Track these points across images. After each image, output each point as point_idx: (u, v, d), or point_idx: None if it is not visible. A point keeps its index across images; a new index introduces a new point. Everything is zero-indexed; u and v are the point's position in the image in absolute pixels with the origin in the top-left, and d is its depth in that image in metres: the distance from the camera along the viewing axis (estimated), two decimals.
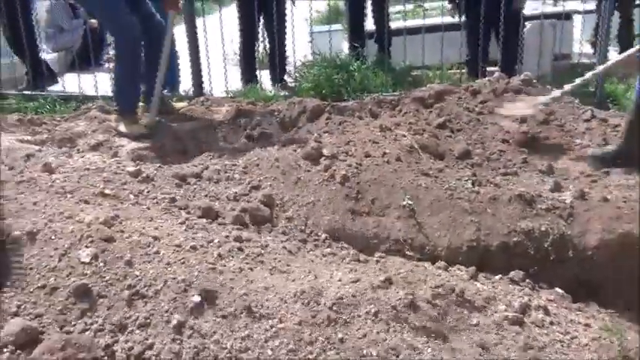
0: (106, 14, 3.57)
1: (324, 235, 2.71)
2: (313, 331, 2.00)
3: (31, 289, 1.97)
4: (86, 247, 2.15)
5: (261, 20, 5.47)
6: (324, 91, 4.62)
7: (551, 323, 2.35)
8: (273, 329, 1.99)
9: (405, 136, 3.34)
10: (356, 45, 5.21)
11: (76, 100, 4.82)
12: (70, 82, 5.47)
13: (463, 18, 5.44)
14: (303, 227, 2.73)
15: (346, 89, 4.61)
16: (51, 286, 2.02)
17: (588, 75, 3.61)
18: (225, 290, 2.07)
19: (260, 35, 5.62)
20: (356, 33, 5.49)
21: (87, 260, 2.11)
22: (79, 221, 2.23)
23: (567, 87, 3.62)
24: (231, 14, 5.55)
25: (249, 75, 5.41)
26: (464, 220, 2.81)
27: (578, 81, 3.57)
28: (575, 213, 2.81)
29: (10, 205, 2.35)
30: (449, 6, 5.79)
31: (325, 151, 3.10)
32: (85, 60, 5.92)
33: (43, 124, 3.75)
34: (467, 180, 3.05)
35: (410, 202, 2.85)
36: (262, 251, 2.43)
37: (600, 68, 3.71)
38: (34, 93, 5.17)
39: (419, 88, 4.12)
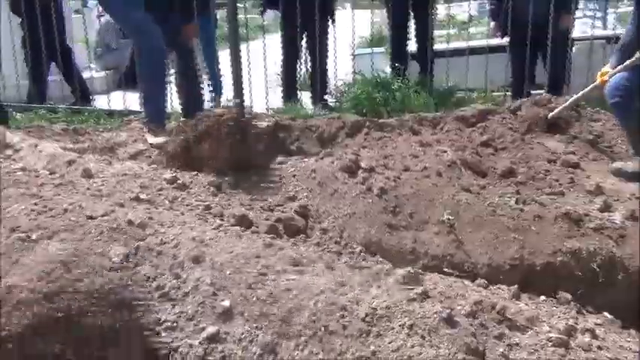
0: (129, 26, 3.64)
1: (359, 248, 2.63)
2: (344, 342, 1.91)
3: None
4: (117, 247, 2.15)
5: (304, 40, 5.51)
6: (364, 110, 4.58)
7: (599, 348, 2.20)
8: (303, 338, 1.92)
9: (446, 151, 3.25)
10: (398, 66, 5.17)
11: (120, 114, 4.92)
12: (116, 99, 5.60)
13: (506, 39, 5.34)
14: (338, 239, 2.66)
15: (386, 108, 4.56)
16: None
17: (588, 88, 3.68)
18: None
19: (302, 56, 5.67)
20: (398, 53, 5.46)
21: (117, 260, 2.10)
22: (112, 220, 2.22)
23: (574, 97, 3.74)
24: (275, 41, 5.63)
25: (289, 93, 5.43)
26: (506, 238, 2.69)
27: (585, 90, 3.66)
28: (626, 234, 2.66)
29: (47, 203, 2.37)
30: (492, 24, 5.69)
31: (363, 164, 3.04)
32: (131, 79, 6.07)
33: (86, 133, 3.83)
34: (510, 197, 2.94)
35: (450, 217, 2.76)
36: (300, 264, 2.37)
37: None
38: (81, 107, 5.31)
39: (461, 108, 4.04)
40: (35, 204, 2.50)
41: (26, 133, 3.55)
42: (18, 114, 5.03)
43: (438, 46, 5.75)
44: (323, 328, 1.93)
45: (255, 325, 1.92)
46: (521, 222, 2.75)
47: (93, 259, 2.09)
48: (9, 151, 3.37)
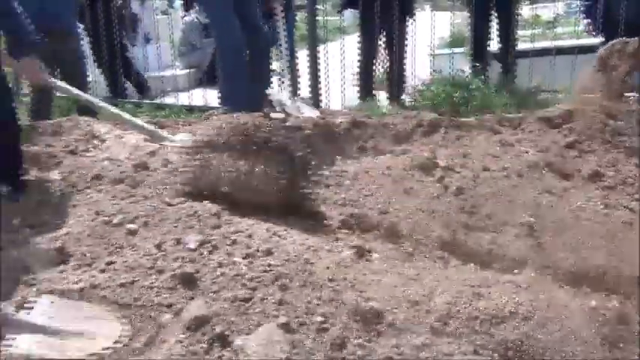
0: (213, 17, 3.71)
1: (433, 247, 2.56)
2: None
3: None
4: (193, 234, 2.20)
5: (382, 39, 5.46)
6: (441, 110, 4.47)
7: None
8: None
9: (527, 152, 3.12)
10: (478, 65, 5.03)
11: (200, 110, 5.04)
12: (197, 96, 5.76)
13: (600, 38, 5.06)
14: (411, 237, 2.60)
15: (466, 108, 4.44)
16: (157, 269, 2.06)
17: None
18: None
19: (379, 56, 5.62)
20: (479, 53, 5.31)
21: (194, 247, 2.15)
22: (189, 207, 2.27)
23: None
24: (352, 42, 5.63)
25: (366, 92, 5.40)
26: (592, 244, 2.54)
27: None
28: None
29: (130, 190, 2.46)
30: (585, 22, 5.41)
31: (440, 162, 2.96)
32: (211, 76, 6.23)
33: (168, 127, 3.94)
34: (596, 202, 2.78)
35: (531, 219, 2.64)
36: (373, 259, 2.34)
37: None
38: (164, 103, 5.50)
39: (545, 109, 3.87)
40: (118, 190, 2.61)
41: (113, 124, 3.71)
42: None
43: (521, 46, 5.55)
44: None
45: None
46: (608, 228, 2.60)
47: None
48: (96, 141, 3.53)
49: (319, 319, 1.92)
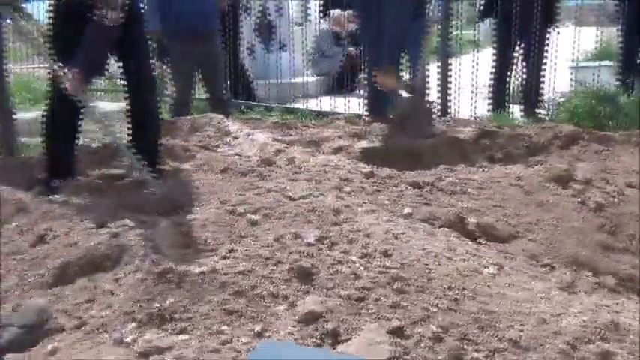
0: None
1: (565, 265, 2.36)
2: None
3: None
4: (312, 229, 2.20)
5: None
6: (583, 123, 4.16)
7: None
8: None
9: None
10: (626, 80, 4.64)
11: (326, 115, 5.10)
12: (325, 102, 5.85)
13: None
14: (541, 252, 2.41)
15: (609, 123, 4.09)
16: (275, 260, 2.08)
17: None
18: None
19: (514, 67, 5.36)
20: (629, 65, 4.89)
21: (312, 241, 2.15)
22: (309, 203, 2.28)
23: None
24: (485, 55, 5.45)
25: (498, 103, 5.16)
26: None
27: None
28: None
29: (255, 183, 2.52)
30: None
31: (578, 176, 2.74)
32: (340, 85, 6.30)
33: (295, 128, 4.03)
34: None
35: None
36: (498, 271, 2.21)
37: None
38: (294, 107, 5.64)
39: None
40: (244, 183, 2.69)
41: (243, 123, 3.85)
42: (242, 108, 5.56)
43: None
44: None
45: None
46: None
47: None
48: (228, 138, 3.68)
49: (435, 327, 1.82)
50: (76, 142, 3.02)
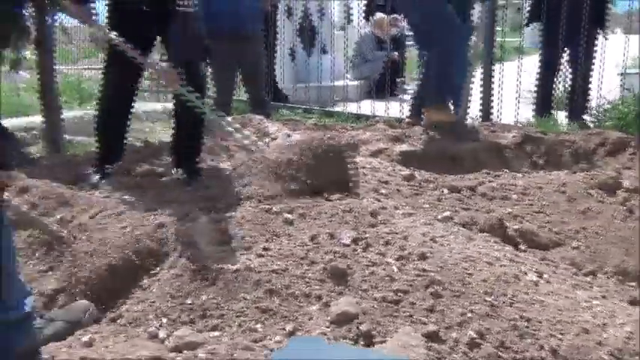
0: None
1: (611, 275, 2.27)
2: None
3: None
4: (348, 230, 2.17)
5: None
6: (630, 130, 4.02)
7: None
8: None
9: None
10: None
11: (366, 118, 5.08)
12: (365, 106, 5.82)
13: None
14: (585, 261, 2.33)
15: None
16: (310, 260, 2.07)
17: None
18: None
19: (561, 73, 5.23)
20: None
21: (347, 242, 2.12)
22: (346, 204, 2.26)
23: None
24: (530, 62, 5.34)
25: (543, 109, 5.04)
26: None
27: None
28: None
29: None
30: None
31: (626, 183, 2.64)
32: (380, 89, 6.26)
33: (334, 130, 4.01)
34: None
35: None
36: (539, 278, 2.14)
37: None
38: (333, 110, 5.64)
39: None
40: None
41: (283, 124, 3.86)
42: (282, 110, 5.59)
43: None
44: None
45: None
46: None
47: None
48: (267, 139, 3.69)
49: (472, 333, 1.78)
50: (128, 127, 3.10)
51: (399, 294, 1.90)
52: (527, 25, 5.51)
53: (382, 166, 2.98)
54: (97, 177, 2.94)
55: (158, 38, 3.01)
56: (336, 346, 1.71)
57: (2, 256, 1.66)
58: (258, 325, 1.84)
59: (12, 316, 1.67)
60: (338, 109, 5.87)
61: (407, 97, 5.28)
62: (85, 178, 2.99)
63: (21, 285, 1.74)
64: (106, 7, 2.93)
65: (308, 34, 6.83)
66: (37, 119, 4.14)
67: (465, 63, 3.99)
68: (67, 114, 4.28)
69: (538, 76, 5.10)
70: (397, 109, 5.10)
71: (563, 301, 1.98)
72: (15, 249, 1.83)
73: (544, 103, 5.08)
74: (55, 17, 4.07)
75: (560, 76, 5.23)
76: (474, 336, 1.76)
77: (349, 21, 8.56)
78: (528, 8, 5.31)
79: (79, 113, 5.01)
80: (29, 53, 4.50)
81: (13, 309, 1.68)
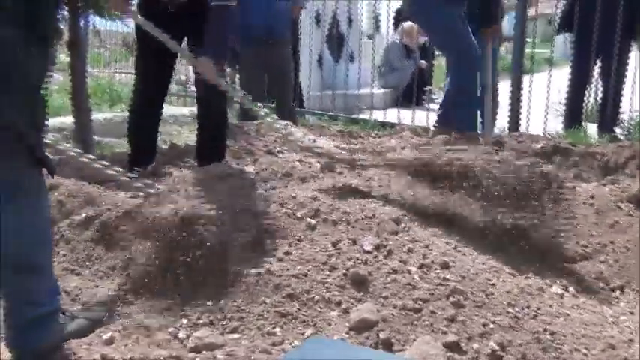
0: (448, 39, 3.66)
1: (637, 289, 2.21)
2: None
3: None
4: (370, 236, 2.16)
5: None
6: None
7: None
8: None
9: None
10: None
11: (391, 126, 5.06)
12: (391, 115, 5.80)
13: None
14: (612, 275, 2.28)
15: None
16: (331, 265, 2.06)
17: None
18: None
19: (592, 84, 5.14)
20: None
21: (369, 249, 2.11)
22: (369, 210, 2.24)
23: None
24: (560, 74, 5.26)
25: (572, 121, 4.95)
26: None
27: None
28: None
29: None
30: None
31: None
32: (407, 98, 6.23)
33: (360, 137, 4.01)
34: None
35: None
36: (564, 291, 2.10)
37: None
38: (359, 117, 5.63)
39: None
40: (304, 188, 2.68)
41: (308, 130, 3.86)
42: (308, 117, 5.60)
43: None
44: None
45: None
46: None
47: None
48: (291, 144, 3.70)
49: (493, 344, 1.75)
50: (159, 129, 3.16)
51: (419, 302, 1.89)
52: (557, 33, 5.44)
53: None
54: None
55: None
56: (353, 347, 1.69)
57: (39, 251, 1.69)
58: (277, 329, 1.84)
59: (42, 311, 1.70)
60: (364, 116, 5.86)
61: (434, 106, 5.23)
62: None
63: (52, 281, 1.77)
64: (136, 6, 2.99)
65: (336, 41, 6.84)
66: (68, 120, 4.22)
67: (475, 86, 3.91)
68: (96, 116, 4.35)
69: (568, 87, 5.02)
70: (424, 117, 5.07)
71: (589, 315, 1.94)
72: (52, 244, 1.87)
73: (574, 114, 5.00)
74: (88, 20, 4.15)
75: (591, 88, 5.14)
76: (496, 347, 1.73)
77: (377, 29, 8.56)
78: (559, 19, 5.24)
79: (109, 115, 5.10)
80: (63, 55, 4.60)
81: (44, 305, 1.71)
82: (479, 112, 4.97)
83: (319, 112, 5.87)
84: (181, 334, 1.85)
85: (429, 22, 3.89)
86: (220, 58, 2.88)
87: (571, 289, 2.10)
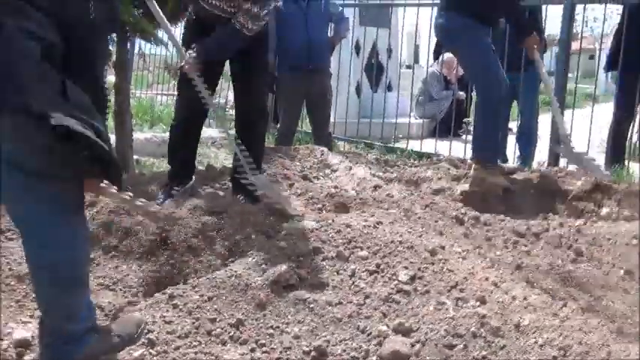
0: (475, 69, 3.63)
1: None
2: None
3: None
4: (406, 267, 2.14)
5: None
6: None
7: None
8: None
9: None
10: None
11: (428, 157, 5.02)
12: (427, 145, 5.77)
13: None
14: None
15: None
16: (364, 293, 2.04)
17: None
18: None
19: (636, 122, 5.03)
20: None
21: (405, 279, 2.08)
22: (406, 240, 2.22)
23: None
24: (603, 110, 5.18)
25: (614, 159, 4.84)
26: None
27: None
28: None
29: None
30: None
31: None
32: (445, 129, 6.19)
33: (396, 166, 3.99)
34: None
35: None
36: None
37: None
38: (395, 146, 5.61)
39: None
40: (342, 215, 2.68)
41: (344, 157, 3.87)
42: (342, 142, 5.61)
43: None
44: None
45: None
46: None
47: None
48: (328, 170, 3.71)
49: None
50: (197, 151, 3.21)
51: (453, 337, 1.84)
52: (606, 71, 5.38)
53: (442, 205, 2.92)
54: (162, 196, 3.02)
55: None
56: None
57: (82, 264, 1.71)
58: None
59: (81, 326, 1.71)
60: (400, 145, 5.84)
61: (471, 137, 5.19)
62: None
63: (89, 295, 1.79)
64: (183, 31, 3.05)
65: (374, 71, 6.87)
66: (111, 138, 4.30)
67: (500, 118, 3.82)
68: (137, 135, 4.44)
69: (612, 124, 4.93)
70: (461, 149, 5.02)
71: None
72: (89, 260, 1.89)
73: (616, 151, 4.90)
74: (134, 43, 4.27)
75: (635, 125, 5.03)
76: None
77: (417, 60, 8.59)
78: (605, 55, 5.17)
79: (149, 135, 5.20)
80: (111, 77, 4.73)
81: (82, 320, 1.72)
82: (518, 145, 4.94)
83: (355, 139, 5.87)
84: None
85: (457, 51, 3.86)
86: (266, 82, 2.91)
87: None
